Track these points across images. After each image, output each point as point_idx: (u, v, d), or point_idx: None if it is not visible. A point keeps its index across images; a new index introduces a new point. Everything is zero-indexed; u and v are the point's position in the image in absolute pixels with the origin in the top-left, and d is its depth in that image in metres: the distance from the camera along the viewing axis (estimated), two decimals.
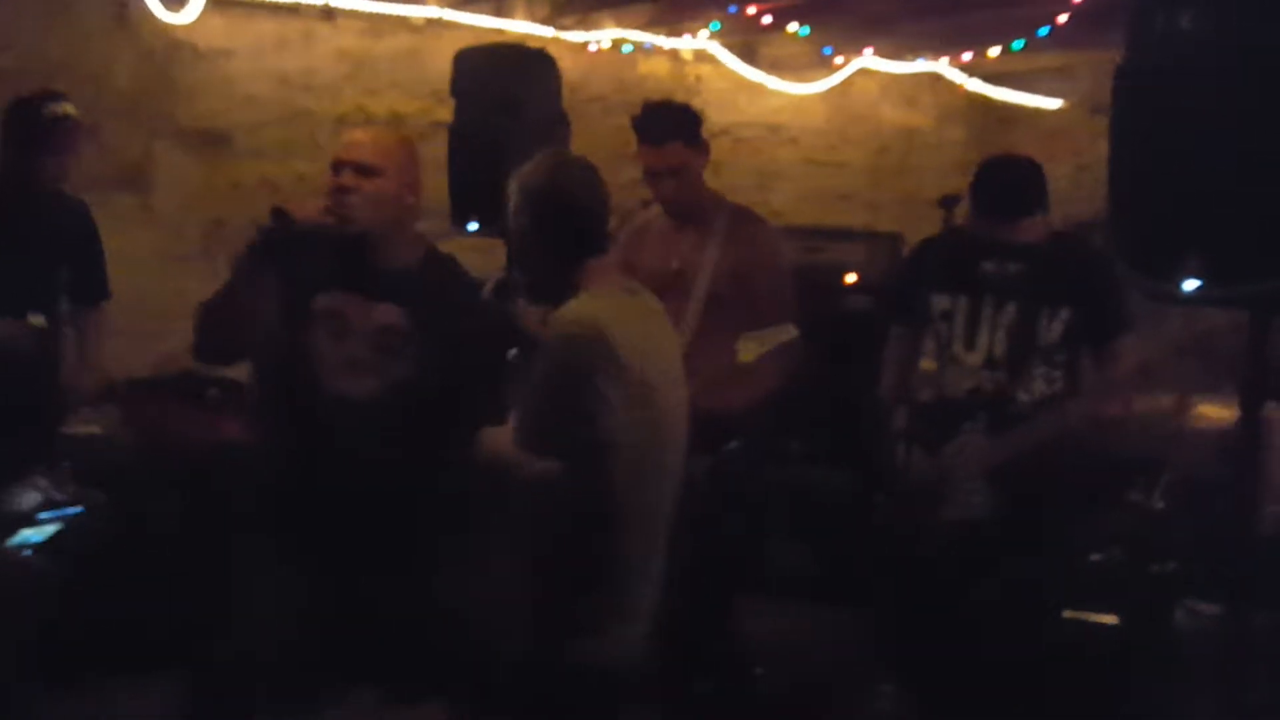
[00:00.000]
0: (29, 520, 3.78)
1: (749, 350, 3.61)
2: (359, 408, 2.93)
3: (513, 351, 2.87)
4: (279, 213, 2.87)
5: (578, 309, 2.56)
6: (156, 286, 4.93)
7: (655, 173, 3.76)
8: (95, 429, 4.40)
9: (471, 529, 2.92)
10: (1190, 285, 1.87)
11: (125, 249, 5.00)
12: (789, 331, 3.68)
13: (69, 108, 3.98)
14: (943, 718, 3.60)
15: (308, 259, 2.95)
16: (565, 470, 2.52)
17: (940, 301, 3.56)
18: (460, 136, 4.50)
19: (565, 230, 2.60)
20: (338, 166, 2.97)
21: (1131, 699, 3.58)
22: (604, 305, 2.58)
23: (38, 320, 3.83)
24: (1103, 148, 2.12)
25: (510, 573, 2.71)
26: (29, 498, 3.82)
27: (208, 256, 4.91)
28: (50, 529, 3.78)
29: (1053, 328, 3.41)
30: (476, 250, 3.64)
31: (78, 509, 3.89)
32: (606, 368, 2.49)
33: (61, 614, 3.62)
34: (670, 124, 3.77)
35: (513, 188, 2.65)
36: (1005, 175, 3.51)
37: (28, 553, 3.69)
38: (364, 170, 2.93)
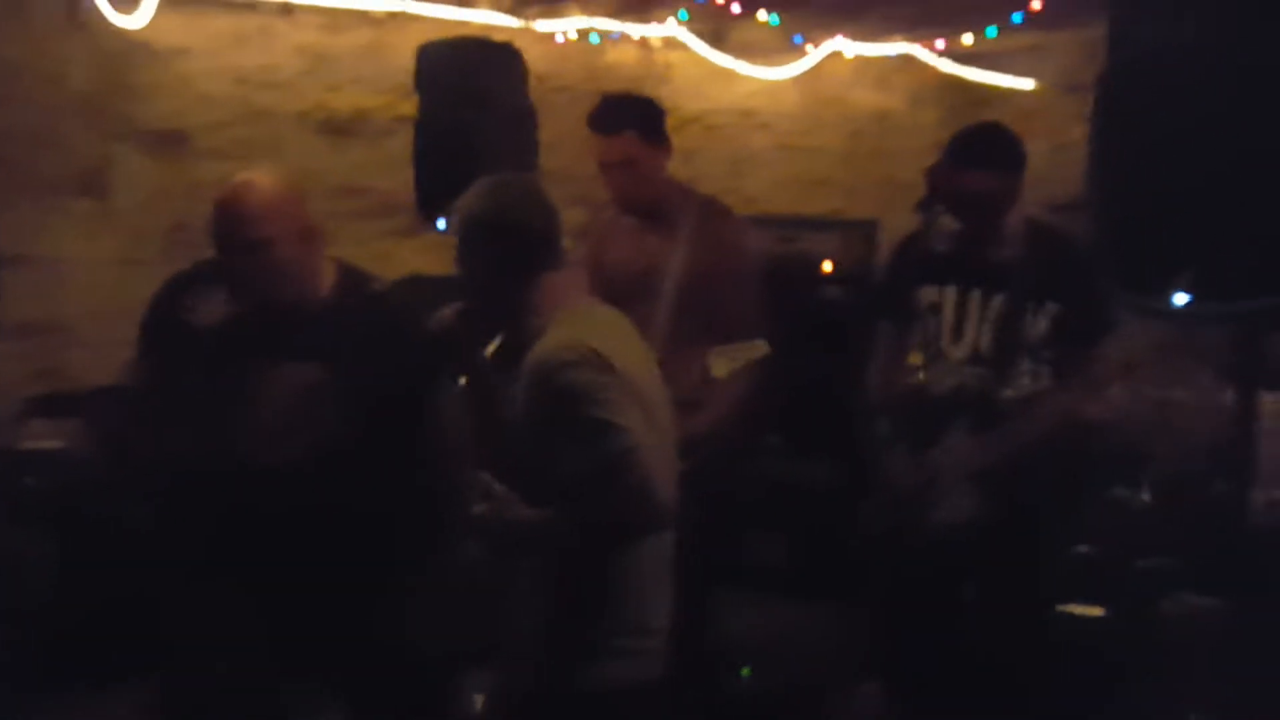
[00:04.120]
0: None
1: (719, 366, 3.51)
2: (285, 476, 2.78)
3: (461, 380, 2.70)
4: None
5: (562, 336, 2.48)
6: (118, 292, 4.82)
7: (605, 165, 3.66)
8: (56, 443, 4.30)
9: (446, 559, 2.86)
10: (1180, 300, 1.80)
11: (85, 255, 4.91)
12: (759, 348, 3.57)
13: None
14: (930, 716, 3.56)
15: (214, 341, 2.83)
16: (583, 501, 2.42)
17: (928, 293, 3.51)
18: (426, 132, 4.42)
19: (514, 250, 2.53)
20: (223, 246, 2.77)
21: (1119, 691, 3.55)
22: (584, 328, 2.52)
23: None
24: (1079, 128, 2.05)
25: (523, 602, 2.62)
26: None
27: (170, 260, 4.79)
28: None
29: (1039, 323, 3.36)
30: (446, 246, 3.56)
31: None
32: (611, 382, 2.43)
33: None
34: (624, 115, 3.67)
35: (455, 221, 2.58)
36: (981, 129, 3.54)
37: None
38: (253, 247, 2.75)
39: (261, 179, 2.84)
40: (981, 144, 3.43)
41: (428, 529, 2.92)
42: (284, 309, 2.81)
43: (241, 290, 2.78)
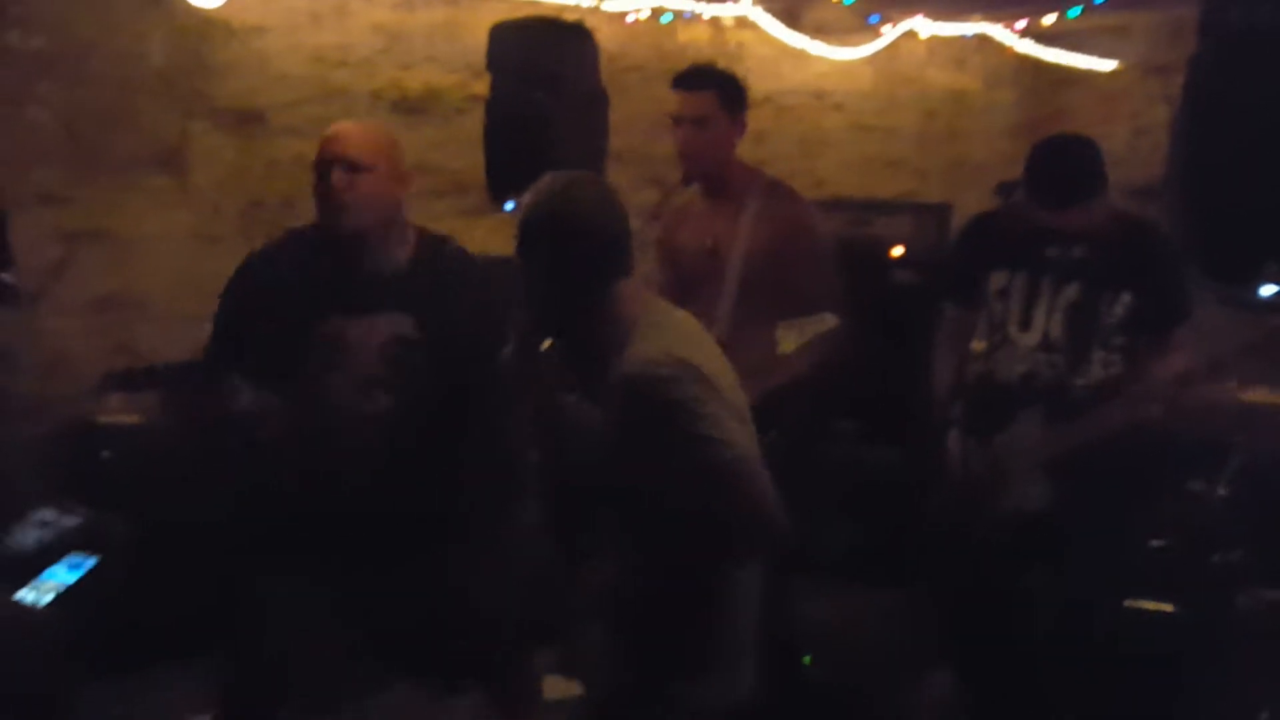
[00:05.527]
0: (42, 565, 3.67)
1: (787, 340, 3.49)
2: (376, 426, 2.89)
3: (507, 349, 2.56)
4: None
5: (650, 349, 2.28)
6: (194, 268, 4.88)
7: (679, 119, 3.65)
8: (134, 418, 4.37)
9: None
10: (1267, 291, 1.75)
11: (162, 231, 4.98)
12: (827, 321, 3.53)
13: None
14: (997, 707, 3.53)
15: (300, 279, 2.92)
16: (692, 520, 2.29)
17: (997, 279, 3.45)
18: (497, 112, 4.44)
19: (587, 255, 2.31)
20: (324, 165, 2.89)
21: (1190, 688, 3.49)
22: (669, 337, 2.34)
23: None
24: (1160, 110, 2.01)
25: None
26: (33, 535, 3.72)
27: (246, 237, 4.85)
28: (61, 581, 3.66)
29: (1114, 311, 3.29)
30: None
31: (92, 560, 3.75)
32: (709, 395, 2.28)
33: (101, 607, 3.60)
34: (709, 76, 3.68)
35: (520, 221, 2.35)
36: (1059, 161, 3.31)
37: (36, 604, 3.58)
38: (355, 167, 2.88)
39: (373, 123, 3.15)
40: (1066, 179, 3.25)
41: (496, 489, 2.99)
42: (372, 253, 2.94)
43: (329, 214, 2.89)
